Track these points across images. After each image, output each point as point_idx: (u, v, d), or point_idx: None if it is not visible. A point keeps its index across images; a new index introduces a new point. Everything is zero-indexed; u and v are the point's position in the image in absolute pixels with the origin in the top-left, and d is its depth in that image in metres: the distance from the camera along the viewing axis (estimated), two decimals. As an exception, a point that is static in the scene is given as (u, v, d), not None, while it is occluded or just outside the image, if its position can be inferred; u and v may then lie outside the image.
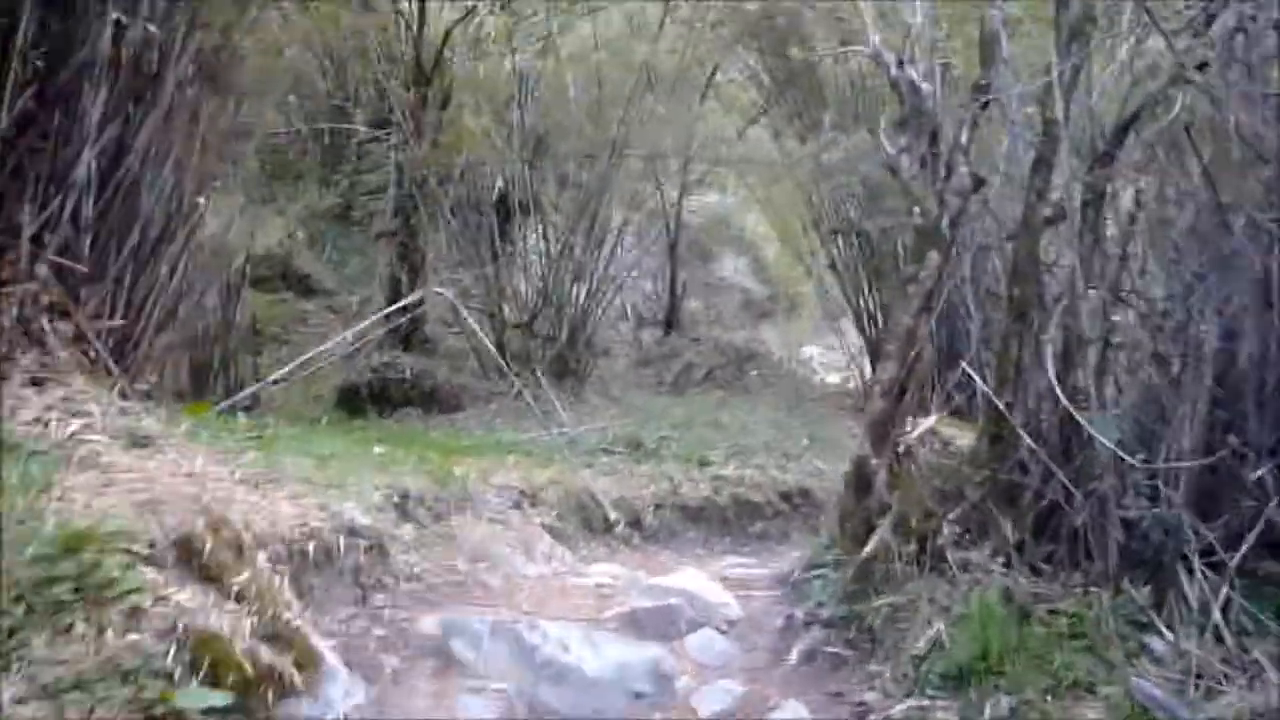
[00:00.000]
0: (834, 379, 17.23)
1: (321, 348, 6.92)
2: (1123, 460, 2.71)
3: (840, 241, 8.96)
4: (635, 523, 5.90)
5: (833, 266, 9.26)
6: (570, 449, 6.73)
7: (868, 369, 9.57)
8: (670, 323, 11.96)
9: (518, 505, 5.31)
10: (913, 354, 3.42)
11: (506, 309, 9.34)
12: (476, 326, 9.29)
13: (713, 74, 10.15)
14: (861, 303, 9.09)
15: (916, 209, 3.39)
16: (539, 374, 8.65)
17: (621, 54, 8.89)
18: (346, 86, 10.39)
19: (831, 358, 19.11)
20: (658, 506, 6.07)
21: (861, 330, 9.32)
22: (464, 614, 3.55)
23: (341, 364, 8.59)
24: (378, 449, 5.13)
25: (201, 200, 4.12)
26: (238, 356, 7.58)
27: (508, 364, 9.14)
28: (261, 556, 3.09)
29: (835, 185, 8.30)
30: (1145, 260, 3.03)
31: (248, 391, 6.07)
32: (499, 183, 9.23)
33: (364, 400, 8.00)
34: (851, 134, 7.71)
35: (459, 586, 3.97)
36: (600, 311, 9.87)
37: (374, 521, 3.83)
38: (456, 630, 3.29)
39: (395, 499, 4.32)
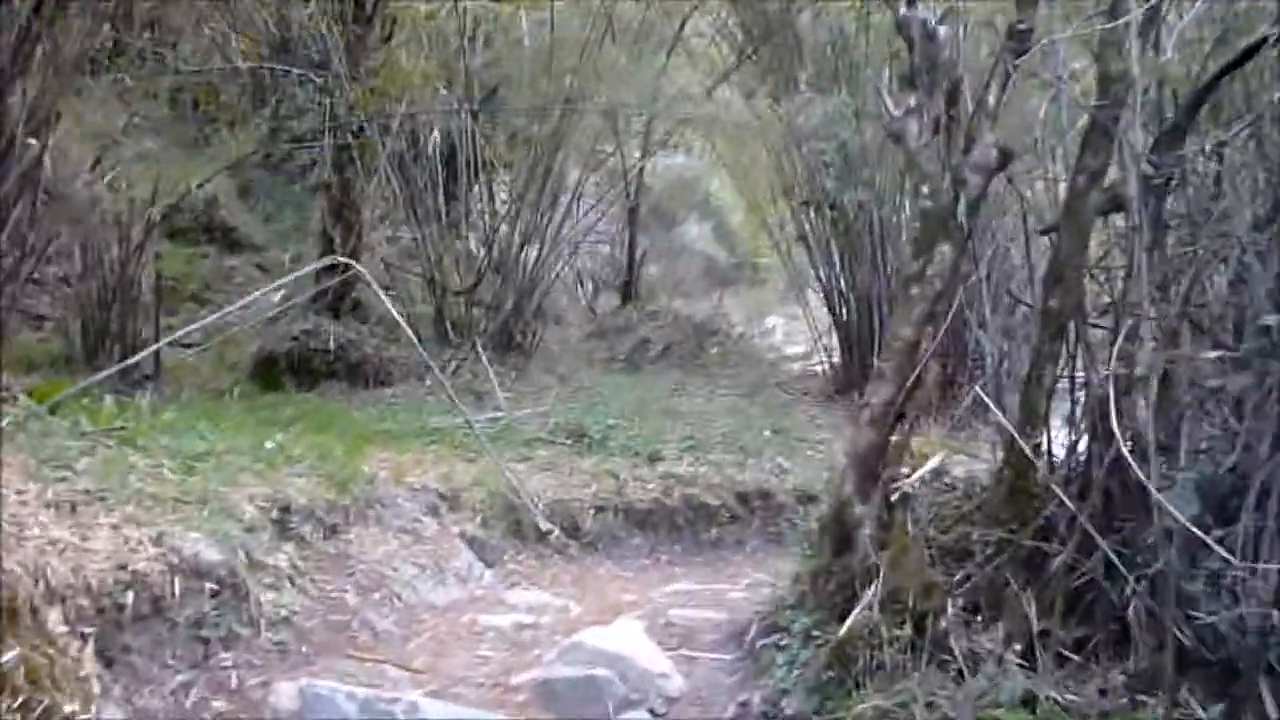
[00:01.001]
0: (797, 349, 16.63)
1: (227, 310, 6.10)
2: (1194, 536, 2.03)
3: (812, 213, 8.22)
4: (573, 529, 5.19)
5: (803, 239, 8.53)
6: (505, 437, 6.00)
7: (837, 350, 8.89)
8: (628, 292, 11.22)
9: (434, 511, 4.59)
10: (913, 373, 2.72)
11: (449, 274, 8.53)
12: (409, 293, 8.55)
13: (681, 26, 9.35)
14: (833, 280, 8.38)
15: (924, 188, 2.67)
16: (479, 347, 7.89)
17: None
18: (288, 21, 9.46)
19: (795, 328, 18.55)
20: (599, 510, 5.35)
21: (831, 309, 8.62)
22: (335, 675, 2.83)
23: (261, 330, 7.78)
24: (269, 443, 4.36)
25: (34, 140, 3.30)
26: (135, 321, 6.73)
27: (447, 334, 8.39)
28: (54, 616, 2.35)
29: (810, 152, 7.54)
30: (1219, 269, 2.33)
31: (117, 367, 5.23)
32: (441, 135, 8.36)
33: (282, 372, 7.19)
34: (830, 96, 6.95)
35: (340, 631, 3.25)
36: (552, 277, 9.10)
37: (233, 551, 3.08)
38: (318, 707, 2.56)
39: (274, 514, 3.57)
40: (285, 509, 3.63)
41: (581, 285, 11.56)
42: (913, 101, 2.70)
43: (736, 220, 17.77)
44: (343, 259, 6.70)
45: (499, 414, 6.41)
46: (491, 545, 4.68)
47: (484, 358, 7.64)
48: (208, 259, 9.33)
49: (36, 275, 7.81)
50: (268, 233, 10.14)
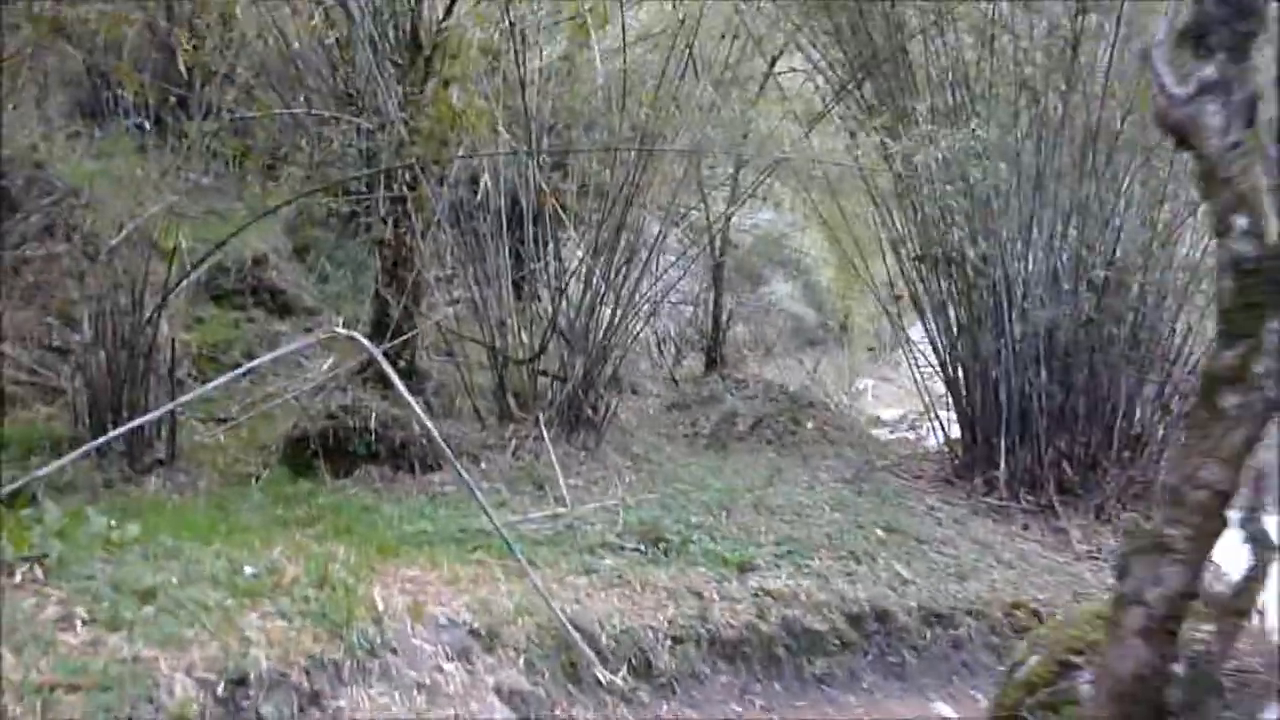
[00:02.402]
0: (891, 413, 15.40)
1: (221, 378, 5.20)
2: None
3: (925, 270, 7.11)
4: (644, 667, 4.11)
5: (915, 299, 7.41)
6: (565, 542, 4.96)
7: (952, 425, 7.72)
8: (712, 357, 10.18)
9: (463, 654, 3.56)
10: (1214, 542, 1.63)
11: (510, 339, 7.59)
12: (466, 362, 7.63)
13: (773, 63, 8.38)
14: (951, 347, 7.23)
15: (1241, 220, 1.59)
16: (543, 424, 6.90)
17: (660, 37, 7.16)
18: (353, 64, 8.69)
19: (886, 390, 17.38)
20: (677, 640, 4.27)
21: (947, 380, 7.46)
22: None
23: (302, 403, 6.90)
24: (250, 567, 3.38)
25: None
26: (148, 393, 5.89)
27: (509, 408, 7.42)
28: None
29: (927, 197, 6.47)
30: None
31: (73, 455, 4.31)
32: (504, 184, 7.45)
33: (315, 455, 6.26)
34: (954, 130, 5.88)
35: None
36: (628, 342, 8.11)
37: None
38: None
39: (220, 690, 2.57)
40: (239, 680, 2.63)
41: (662, 350, 10.55)
42: (1209, 71, 1.64)
43: (826, 278, 16.84)
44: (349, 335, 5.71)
45: (560, 511, 5.38)
46: (537, 698, 3.62)
47: (547, 437, 6.65)
48: (254, 323, 8.55)
49: (58, 341, 7.14)
50: (322, 295, 9.36)
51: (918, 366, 8.08)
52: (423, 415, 4.94)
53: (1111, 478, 6.86)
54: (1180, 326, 6.91)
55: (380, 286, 7.83)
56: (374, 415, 6.40)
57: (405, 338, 7.30)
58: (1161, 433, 6.98)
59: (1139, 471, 6.93)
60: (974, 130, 5.68)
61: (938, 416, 7.66)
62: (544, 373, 7.59)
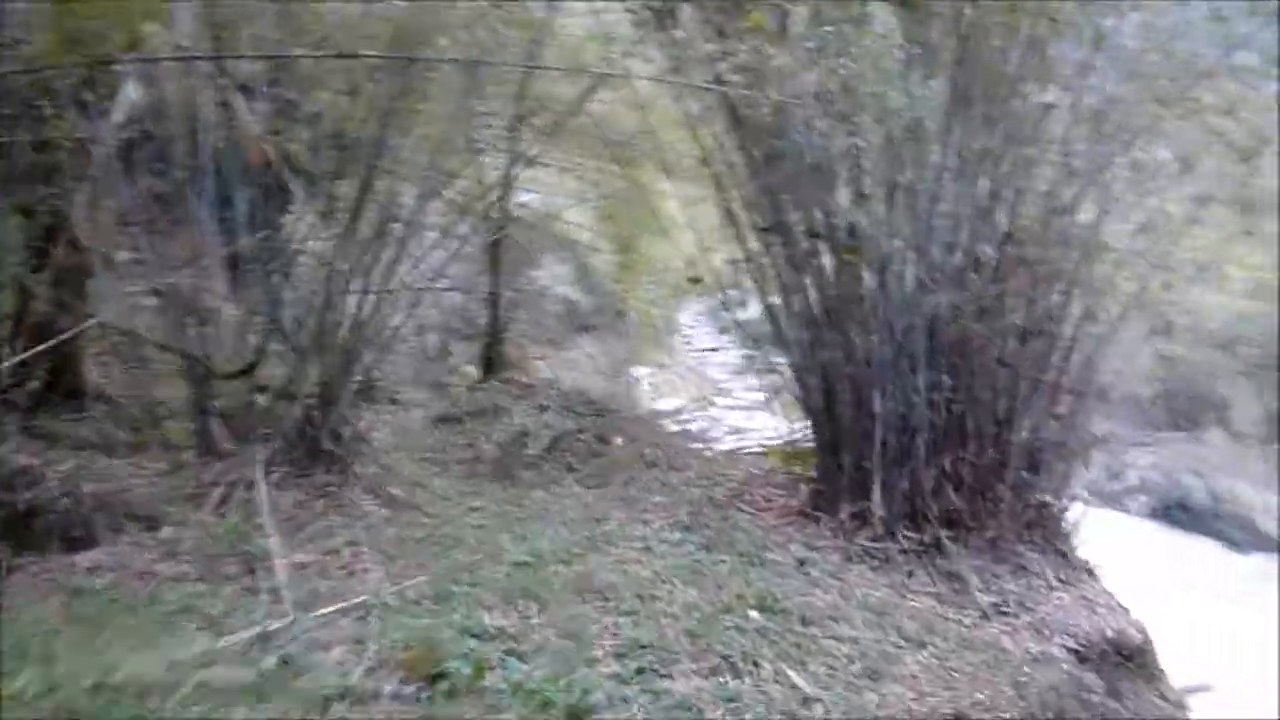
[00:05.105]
0: (669, 405, 14.04)
1: None
2: None
3: (777, 244, 5.48)
4: None
5: (760, 285, 5.75)
6: (279, 693, 2.97)
7: (804, 440, 6.21)
8: (491, 356, 8.26)
9: None
10: None
11: (217, 342, 5.40)
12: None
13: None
14: (806, 348, 5.64)
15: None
16: (259, 463, 4.83)
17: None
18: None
19: (663, 379, 16.12)
20: None
21: (804, 389, 5.87)
22: None
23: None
24: None
25: None
26: None
27: (211, 442, 5.26)
28: None
29: (792, 146, 4.81)
30: None
31: None
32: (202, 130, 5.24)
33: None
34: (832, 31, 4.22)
35: None
36: (384, 341, 6.10)
37: None
38: None
39: None
40: None
41: (427, 349, 8.57)
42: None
43: (604, 260, 15.43)
44: None
45: (274, 627, 3.35)
46: None
47: (263, 484, 4.58)
48: None
49: None
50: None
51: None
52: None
53: (1005, 504, 5.49)
54: (1073, 313, 5.63)
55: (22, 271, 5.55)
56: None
57: (52, 344, 5.05)
58: (1057, 444, 5.69)
59: (1035, 493, 5.61)
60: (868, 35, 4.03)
61: (793, 435, 6.07)
62: (264, 388, 5.48)
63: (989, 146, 5.19)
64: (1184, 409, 14.51)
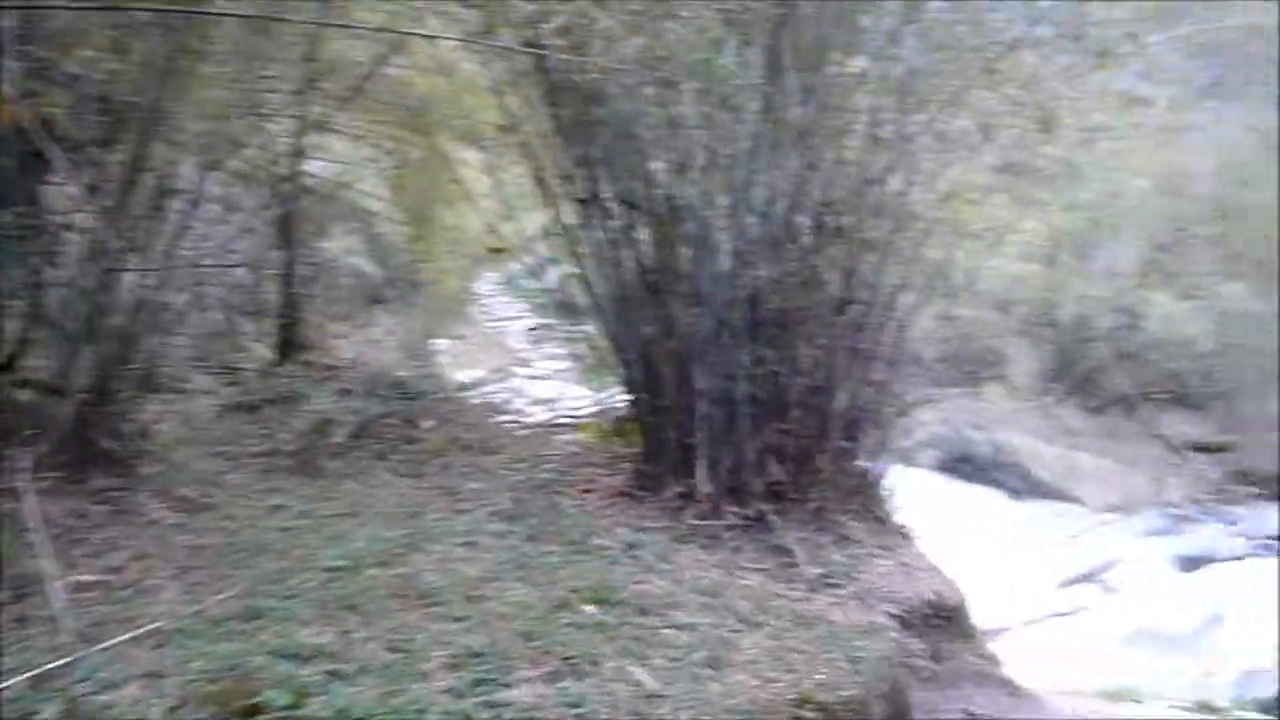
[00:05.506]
0: (468, 376, 13.76)
1: None
2: None
3: (595, 215, 5.28)
4: None
5: (578, 256, 5.53)
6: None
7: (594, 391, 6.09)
8: (287, 337, 7.72)
9: None
10: None
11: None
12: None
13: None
14: (626, 318, 5.49)
15: None
16: (24, 470, 4.26)
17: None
18: None
19: (460, 349, 15.81)
20: None
21: (623, 362, 5.73)
22: None
23: None
24: None
25: None
26: None
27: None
28: None
29: (614, 114, 4.61)
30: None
31: None
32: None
33: None
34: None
35: None
36: (164, 324, 5.53)
37: None
38: None
39: None
40: None
41: (217, 333, 7.93)
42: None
43: (394, 229, 14.91)
44: None
45: (49, 667, 2.91)
46: None
47: (30, 496, 4.04)
48: None
49: None
50: None
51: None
52: None
53: (826, 473, 5.52)
54: (886, 282, 5.70)
55: None
56: None
57: None
58: (873, 411, 5.77)
59: (854, 461, 5.67)
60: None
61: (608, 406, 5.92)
62: (28, 382, 4.87)
63: (803, 116, 5.15)
64: (966, 367, 15.30)
